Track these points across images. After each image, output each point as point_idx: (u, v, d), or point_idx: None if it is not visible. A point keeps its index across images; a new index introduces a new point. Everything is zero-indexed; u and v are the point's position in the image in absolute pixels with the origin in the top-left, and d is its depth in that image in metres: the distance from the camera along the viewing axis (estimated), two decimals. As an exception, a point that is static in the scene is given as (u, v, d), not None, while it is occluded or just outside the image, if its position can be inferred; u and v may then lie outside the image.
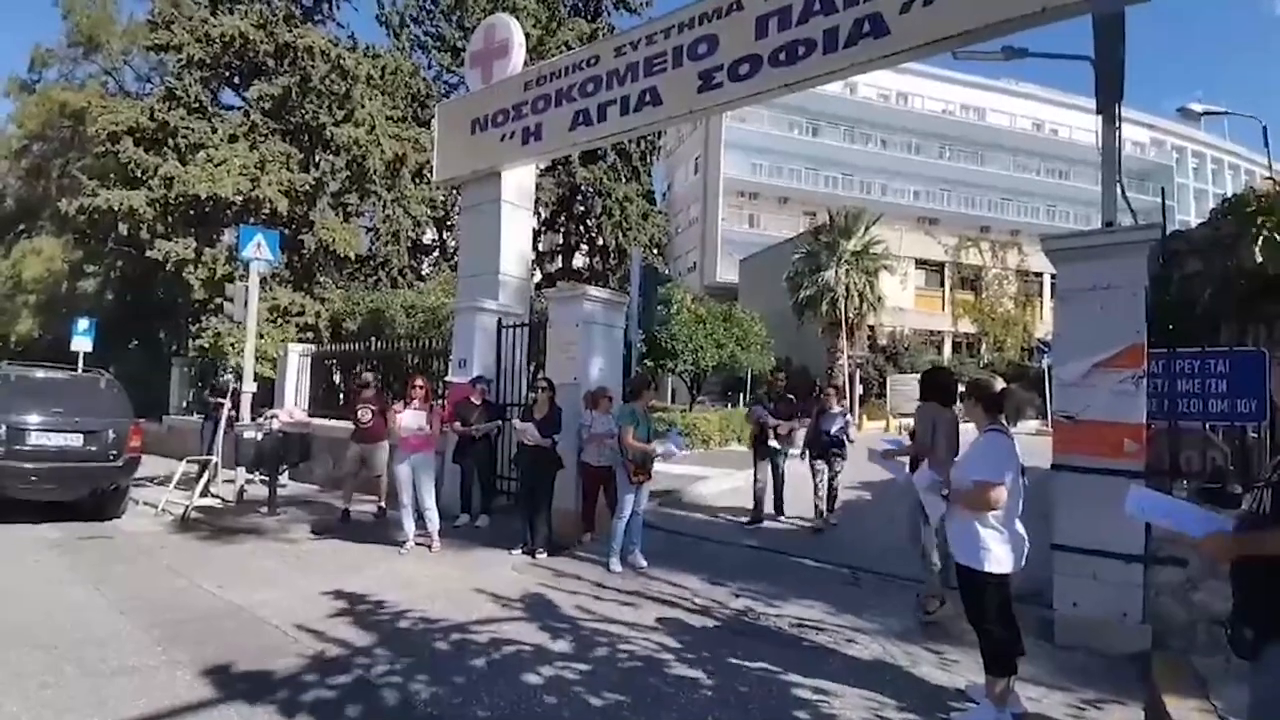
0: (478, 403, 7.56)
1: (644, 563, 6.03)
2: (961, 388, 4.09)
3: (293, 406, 10.37)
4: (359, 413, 8.02)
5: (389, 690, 3.47)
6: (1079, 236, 4.83)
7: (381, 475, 7.89)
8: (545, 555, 6.23)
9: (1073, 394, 4.39)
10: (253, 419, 8.99)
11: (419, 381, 6.71)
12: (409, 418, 6.55)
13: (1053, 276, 4.78)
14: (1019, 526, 3.33)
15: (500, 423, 7.80)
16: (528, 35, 12.00)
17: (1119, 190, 5.00)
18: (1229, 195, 7.38)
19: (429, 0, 21.79)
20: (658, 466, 6.59)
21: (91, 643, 3.97)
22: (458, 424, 7.46)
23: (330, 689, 3.49)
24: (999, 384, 3.56)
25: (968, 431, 3.97)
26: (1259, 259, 4.88)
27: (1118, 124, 5.17)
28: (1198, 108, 16.56)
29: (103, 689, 3.38)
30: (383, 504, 8.00)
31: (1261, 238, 4.96)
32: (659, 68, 7.07)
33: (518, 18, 13.29)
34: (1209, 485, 4.22)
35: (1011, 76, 43.40)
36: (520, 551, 6.32)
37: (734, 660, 3.95)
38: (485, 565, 6.01)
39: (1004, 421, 3.45)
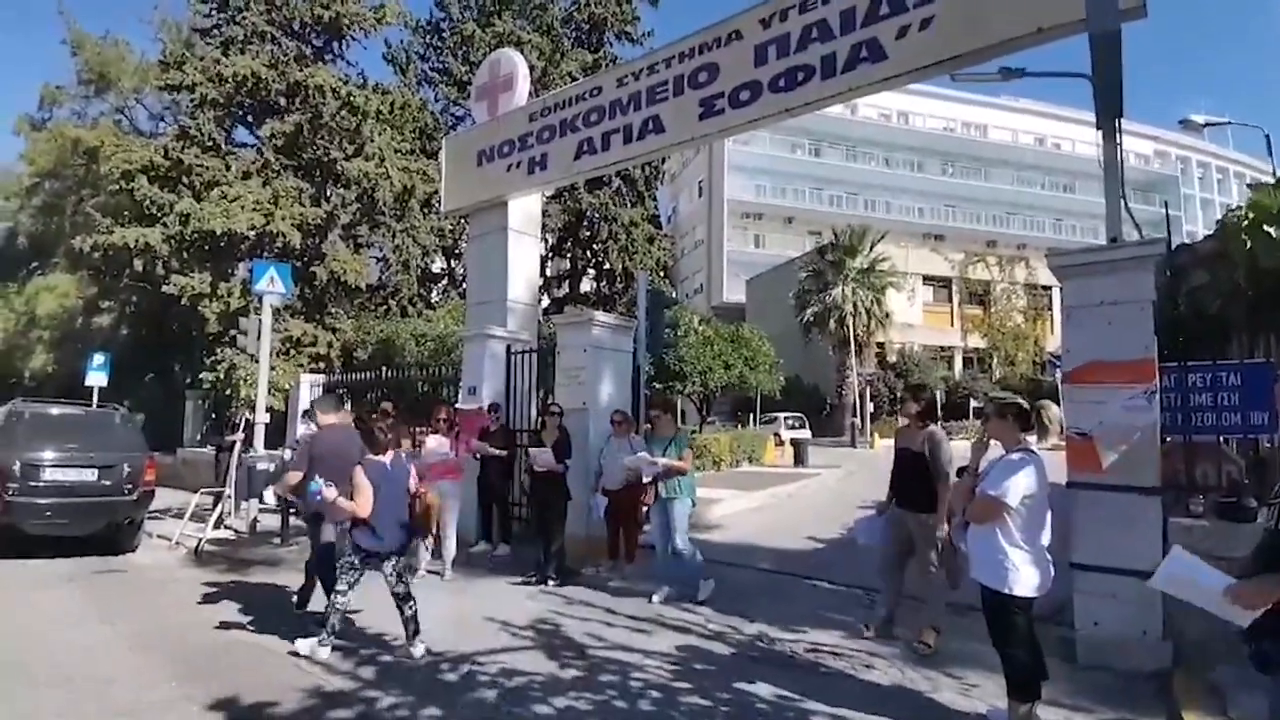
0: (495, 429, 7.57)
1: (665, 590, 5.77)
2: (977, 405, 4.02)
3: None
4: None
5: (401, 724, 3.45)
6: (1084, 253, 4.81)
7: None
8: (557, 583, 6.19)
9: (1085, 410, 4.35)
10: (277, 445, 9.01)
11: (443, 413, 6.71)
12: (433, 445, 6.57)
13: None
14: (1045, 549, 3.28)
15: (517, 448, 7.78)
16: (531, 67, 12.25)
17: (1122, 204, 4.99)
18: (1234, 205, 7.35)
19: (435, 37, 22.30)
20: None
21: (106, 678, 3.98)
22: (478, 445, 7.32)
23: (343, 723, 3.47)
24: (1023, 401, 3.51)
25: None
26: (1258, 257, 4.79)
27: (1119, 139, 5.16)
28: (1199, 119, 16.64)
29: (117, 726, 3.38)
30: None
31: (1257, 237, 4.89)
32: (661, 96, 7.19)
33: (522, 51, 13.61)
34: (1225, 499, 4.16)
35: (1012, 93, 43.79)
36: (532, 579, 6.28)
37: (749, 688, 3.90)
38: (496, 594, 5.98)
39: (1031, 440, 3.40)
